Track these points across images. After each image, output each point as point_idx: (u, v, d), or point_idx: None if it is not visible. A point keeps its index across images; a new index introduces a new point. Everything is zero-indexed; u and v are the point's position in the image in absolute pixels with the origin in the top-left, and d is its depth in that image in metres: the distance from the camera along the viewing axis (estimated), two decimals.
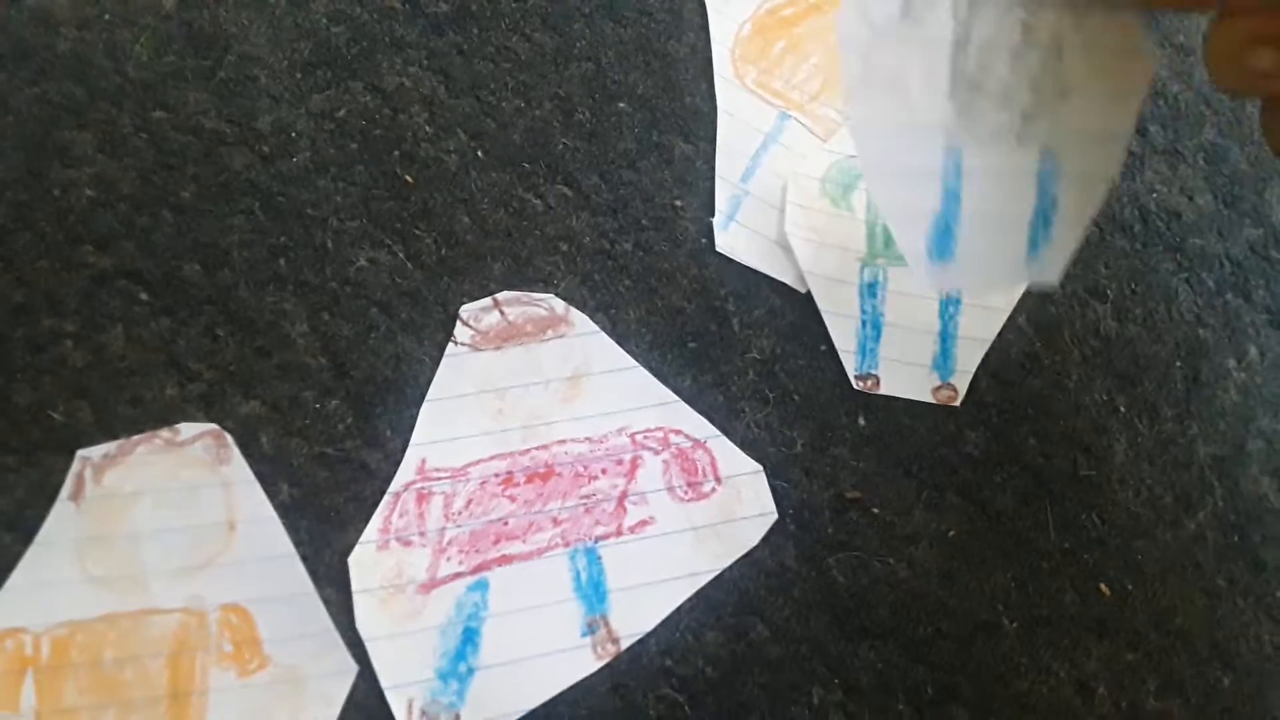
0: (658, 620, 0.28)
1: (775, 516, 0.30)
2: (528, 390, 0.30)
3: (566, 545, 0.29)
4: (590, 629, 0.28)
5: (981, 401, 0.33)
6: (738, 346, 0.33)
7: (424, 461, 0.29)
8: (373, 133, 0.33)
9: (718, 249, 0.34)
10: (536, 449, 0.30)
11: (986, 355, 0.34)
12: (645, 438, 0.30)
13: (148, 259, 0.30)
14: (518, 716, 0.27)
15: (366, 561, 0.27)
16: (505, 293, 0.32)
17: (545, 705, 0.27)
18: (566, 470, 0.30)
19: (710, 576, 0.29)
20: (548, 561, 0.28)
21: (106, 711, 0.25)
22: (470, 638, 0.27)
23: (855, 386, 0.32)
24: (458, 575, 0.28)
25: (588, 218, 0.34)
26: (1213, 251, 0.37)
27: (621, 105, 0.36)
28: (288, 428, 0.29)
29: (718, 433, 0.31)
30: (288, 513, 0.28)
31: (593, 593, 0.28)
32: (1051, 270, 0.26)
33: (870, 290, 0.34)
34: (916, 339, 0.33)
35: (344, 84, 0.34)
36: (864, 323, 0.33)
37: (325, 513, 0.28)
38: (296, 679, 0.26)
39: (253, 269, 0.31)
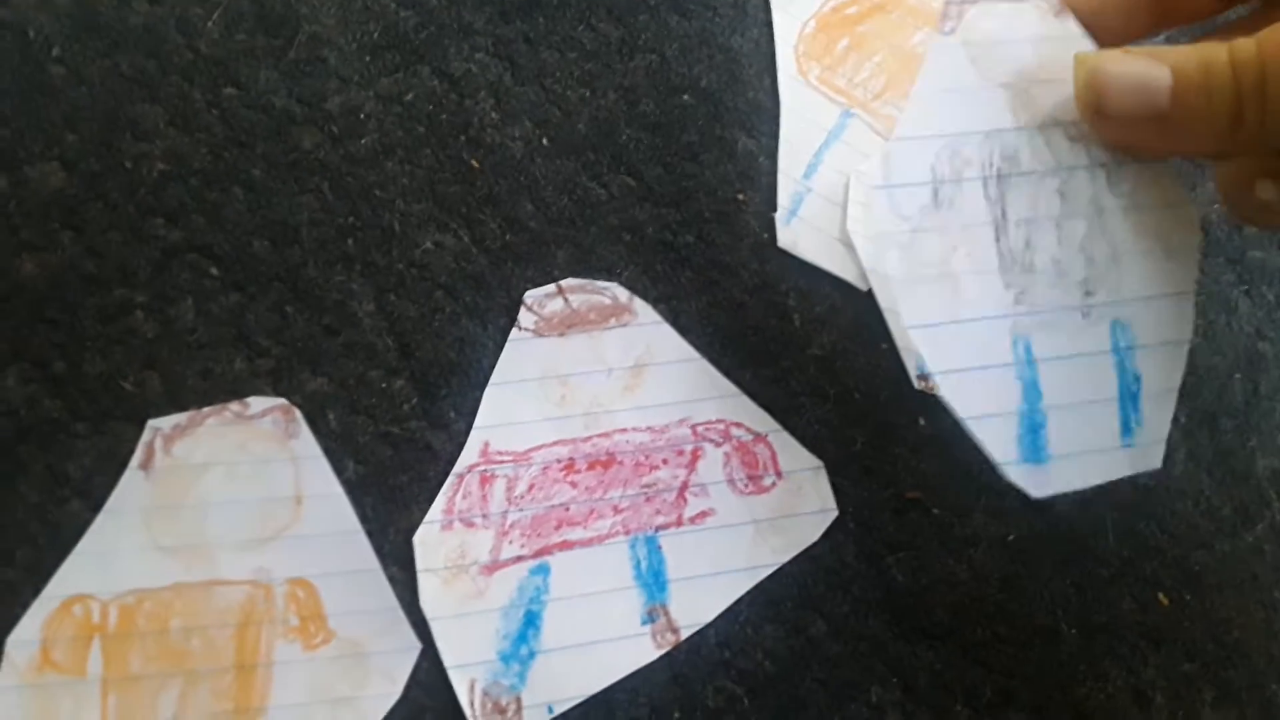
0: (717, 612, 0.28)
1: (836, 513, 0.30)
2: (590, 378, 0.30)
3: (627, 533, 0.29)
4: (650, 617, 0.28)
5: None
6: (798, 342, 0.33)
7: (487, 444, 0.29)
8: (439, 117, 0.33)
9: (779, 244, 0.34)
10: (598, 436, 0.30)
11: None
12: (706, 429, 0.30)
13: (218, 234, 0.30)
14: (577, 701, 0.27)
15: (431, 541, 0.27)
16: (569, 280, 0.32)
17: (604, 692, 0.27)
18: (628, 459, 0.30)
19: (769, 570, 0.29)
20: (608, 549, 0.28)
21: (173, 680, 0.25)
22: (532, 621, 0.27)
23: (916, 386, 0.32)
24: (520, 558, 0.28)
25: (651, 209, 0.34)
26: (1273, 265, 0.37)
27: (685, 98, 0.36)
28: (354, 406, 0.29)
29: (778, 427, 0.31)
30: (353, 490, 0.28)
31: (653, 581, 0.28)
32: (1152, 454, 0.25)
33: None
34: None
35: (412, 68, 0.34)
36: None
37: (390, 491, 0.28)
38: (360, 654, 0.26)
39: (321, 248, 0.31)
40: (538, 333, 0.31)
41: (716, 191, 0.34)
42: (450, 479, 0.28)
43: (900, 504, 0.31)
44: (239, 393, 0.28)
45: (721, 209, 0.34)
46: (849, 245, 0.34)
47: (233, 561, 0.26)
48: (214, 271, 0.30)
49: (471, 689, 0.26)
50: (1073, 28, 0.26)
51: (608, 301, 0.32)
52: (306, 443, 0.27)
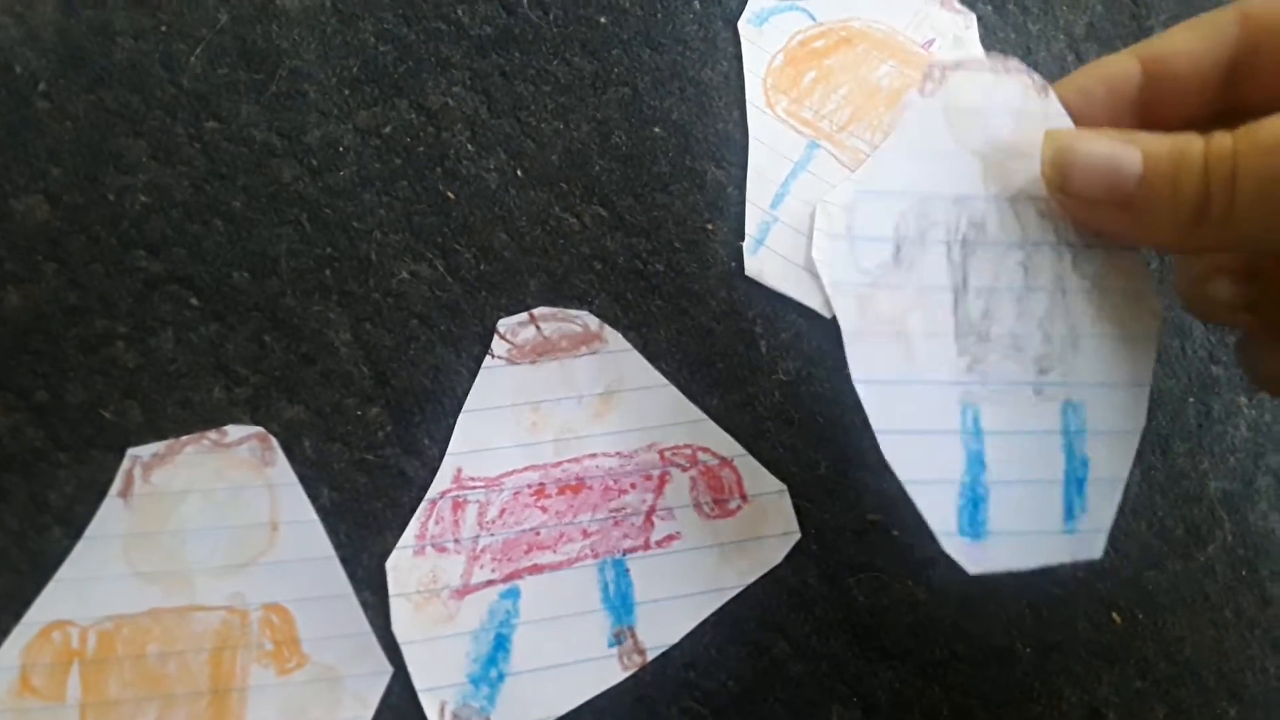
0: (682, 633, 0.29)
1: (799, 535, 0.31)
2: (561, 404, 0.31)
3: (596, 557, 0.30)
4: (617, 639, 0.29)
5: None
6: (765, 368, 0.34)
7: (460, 470, 0.30)
8: (417, 149, 0.34)
9: (747, 273, 0.35)
10: (568, 462, 0.31)
11: None
12: (674, 454, 0.31)
13: (198, 265, 0.31)
14: None
15: (403, 566, 0.28)
16: (541, 308, 0.33)
17: (572, 713, 0.28)
18: (597, 483, 0.30)
19: (734, 592, 0.30)
20: (577, 572, 0.29)
21: (149, 704, 0.25)
22: (501, 644, 0.28)
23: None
24: (490, 583, 0.29)
25: (622, 238, 0.35)
26: None
27: (657, 130, 0.37)
28: (330, 433, 0.30)
29: (744, 451, 0.32)
30: (328, 516, 0.29)
31: (620, 604, 0.29)
32: (1093, 543, 0.24)
33: None
34: None
35: (390, 101, 0.35)
36: None
37: (364, 517, 0.29)
38: (333, 679, 0.26)
39: (299, 278, 0.32)
40: (510, 360, 0.32)
41: (686, 221, 0.35)
42: (423, 505, 0.29)
43: (862, 527, 0.32)
44: (217, 421, 0.29)
45: (691, 238, 0.35)
46: (814, 273, 0.35)
47: (209, 587, 0.27)
48: (194, 302, 0.31)
49: (442, 711, 0.27)
50: (1054, 107, 0.26)
51: (579, 329, 0.33)
52: (282, 470, 0.28)
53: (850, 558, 0.31)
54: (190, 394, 0.29)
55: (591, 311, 0.33)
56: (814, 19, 0.40)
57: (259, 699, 0.26)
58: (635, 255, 0.34)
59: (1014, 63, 0.26)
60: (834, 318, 0.34)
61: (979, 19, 0.41)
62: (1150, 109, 0.25)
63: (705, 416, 0.32)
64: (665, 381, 0.32)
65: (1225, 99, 0.25)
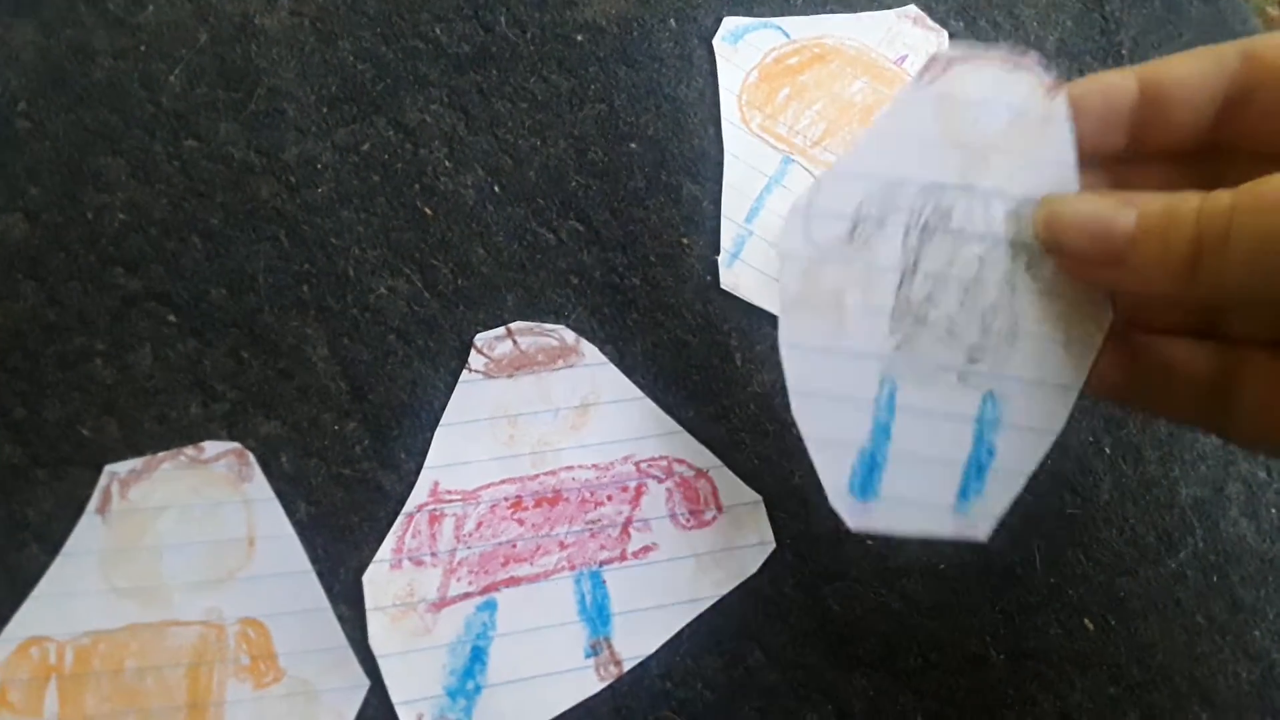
0: (659, 644, 0.29)
1: (774, 545, 0.31)
2: (538, 417, 0.32)
3: (572, 569, 0.30)
4: (594, 650, 0.29)
5: None
6: (740, 380, 0.34)
7: (437, 484, 0.30)
8: (394, 166, 0.35)
9: (722, 286, 0.35)
10: (545, 474, 0.31)
11: None
12: (650, 466, 0.32)
13: (176, 282, 0.31)
14: None
15: (380, 580, 0.28)
16: (518, 323, 0.33)
17: None
18: (573, 496, 0.31)
19: (710, 602, 0.30)
20: (554, 584, 0.30)
21: (126, 719, 0.25)
22: (478, 656, 0.28)
23: None
24: (467, 595, 0.29)
25: (598, 253, 0.35)
26: None
27: (633, 146, 0.37)
28: (307, 448, 0.30)
29: (719, 463, 0.32)
30: (305, 531, 0.29)
31: (597, 615, 0.29)
32: (980, 525, 0.24)
33: None
34: None
35: (368, 119, 0.35)
36: None
37: (341, 531, 0.29)
38: (310, 692, 0.26)
39: (277, 294, 0.32)
40: (487, 374, 0.32)
41: (662, 235, 0.36)
42: (400, 518, 0.29)
43: (836, 536, 0.32)
44: (194, 437, 0.29)
45: (667, 252, 0.35)
46: None
47: (186, 602, 0.27)
48: (172, 319, 0.31)
49: None
50: (1060, 110, 0.25)
51: (555, 343, 0.33)
52: (259, 485, 0.28)
53: (825, 567, 0.31)
54: (168, 410, 0.30)
55: (568, 325, 0.33)
56: (788, 36, 0.40)
57: (236, 713, 0.26)
58: (611, 269, 0.35)
59: (1031, 59, 0.25)
60: None
61: (950, 36, 0.42)
62: (1141, 129, 0.25)
63: (681, 428, 0.32)
64: (641, 394, 0.33)
65: (1215, 133, 0.25)
